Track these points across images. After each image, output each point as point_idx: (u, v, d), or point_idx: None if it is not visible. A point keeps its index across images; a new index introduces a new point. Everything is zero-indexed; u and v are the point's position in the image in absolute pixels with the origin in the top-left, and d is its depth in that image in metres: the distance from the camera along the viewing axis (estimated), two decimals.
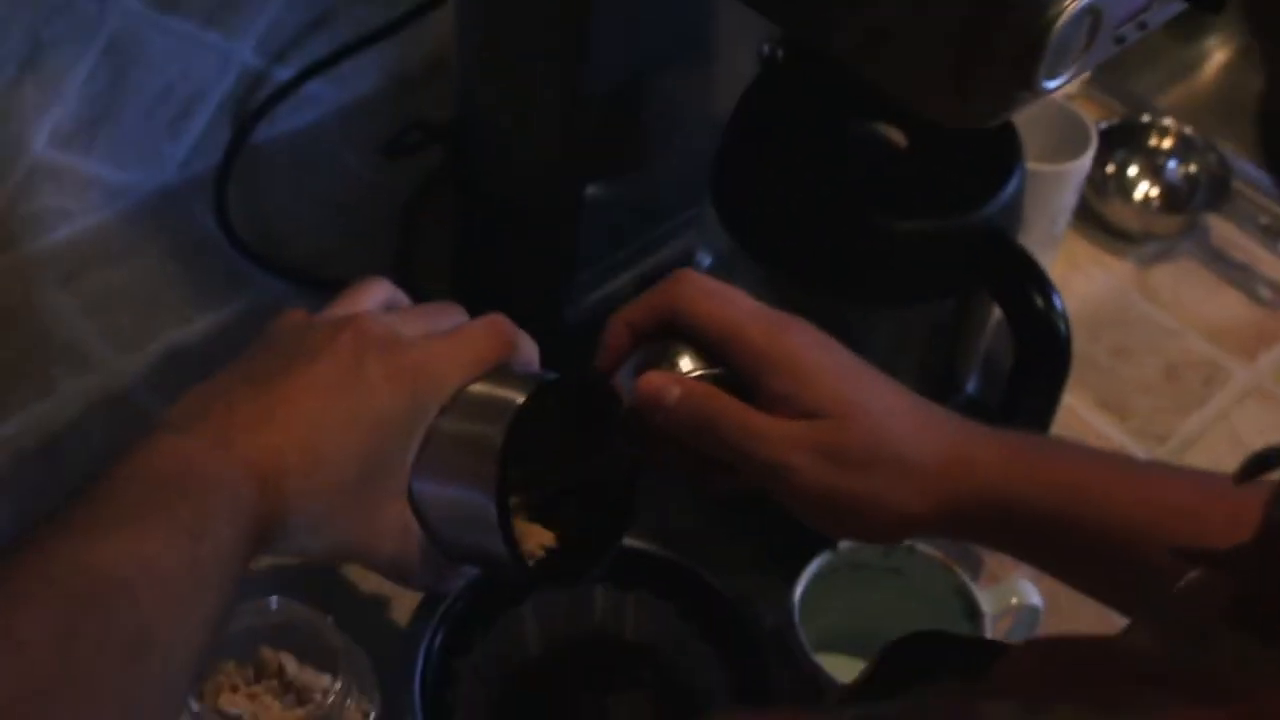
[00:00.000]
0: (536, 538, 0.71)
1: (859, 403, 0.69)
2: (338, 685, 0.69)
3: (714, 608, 0.83)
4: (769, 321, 0.71)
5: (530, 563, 0.69)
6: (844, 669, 0.85)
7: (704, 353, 0.71)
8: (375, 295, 0.71)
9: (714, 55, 0.95)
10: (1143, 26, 0.73)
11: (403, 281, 1.07)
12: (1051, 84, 0.69)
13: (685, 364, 0.71)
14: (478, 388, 0.67)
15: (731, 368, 0.70)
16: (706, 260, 0.94)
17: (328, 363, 0.64)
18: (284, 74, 1.13)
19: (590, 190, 0.95)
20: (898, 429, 0.70)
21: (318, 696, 0.70)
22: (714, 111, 0.91)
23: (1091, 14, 0.67)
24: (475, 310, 1.04)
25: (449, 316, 0.71)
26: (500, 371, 0.69)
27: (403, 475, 0.66)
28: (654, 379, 0.70)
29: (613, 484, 0.73)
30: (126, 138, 1.07)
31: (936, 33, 0.68)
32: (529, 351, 0.71)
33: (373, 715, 0.72)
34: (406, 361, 0.65)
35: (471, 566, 0.72)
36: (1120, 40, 0.72)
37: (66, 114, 1.03)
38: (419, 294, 1.06)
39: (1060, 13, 0.65)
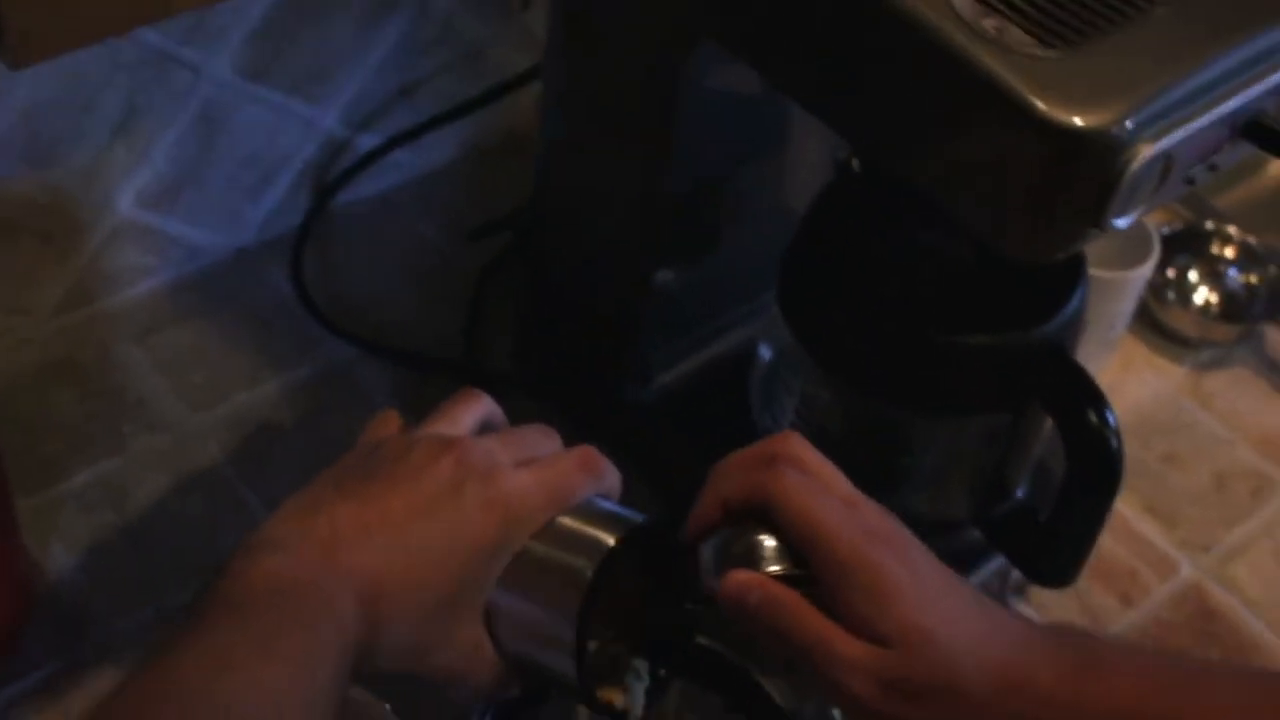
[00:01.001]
0: (607, 693, 0.73)
1: (929, 632, 0.68)
2: None
3: (758, 703, 0.85)
4: (857, 529, 0.69)
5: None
6: None
7: (790, 547, 0.72)
8: (475, 412, 0.72)
9: (792, 155, 0.97)
10: (1213, 168, 0.75)
11: (469, 355, 1.11)
12: (1121, 222, 0.71)
13: (769, 559, 0.71)
14: (568, 520, 0.69)
15: (815, 569, 0.70)
16: (767, 354, 0.96)
17: (427, 486, 0.65)
18: (367, 142, 1.16)
19: (659, 279, 0.97)
20: (960, 656, 0.68)
21: None
22: (787, 208, 0.94)
23: (1165, 160, 0.69)
24: (541, 390, 1.07)
25: (545, 441, 0.72)
26: (590, 507, 0.71)
27: (482, 600, 0.67)
28: (740, 579, 0.70)
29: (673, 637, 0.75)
30: (209, 200, 1.11)
31: (1015, 174, 0.69)
32: (615, 484, 0.73)
33: None
34: (503, 492, 0.66)
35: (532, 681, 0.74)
36: (1190, 181, 0.74)
37: (153, 176, 1.06)
38: (486, 371, 1.10)
39: (1133, 159, 0.67)
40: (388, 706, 0.73)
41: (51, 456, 1.02)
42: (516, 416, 0.75)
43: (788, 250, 0.91)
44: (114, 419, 1.05)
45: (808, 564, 0.71)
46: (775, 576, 0.71)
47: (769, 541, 0.71)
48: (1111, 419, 0.85)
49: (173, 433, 1.05)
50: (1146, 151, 0.67)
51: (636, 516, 0.72)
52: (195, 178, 1.08)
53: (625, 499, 0.74)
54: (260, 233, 1.16)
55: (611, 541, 0.69)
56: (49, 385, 1.06)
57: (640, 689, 0.74)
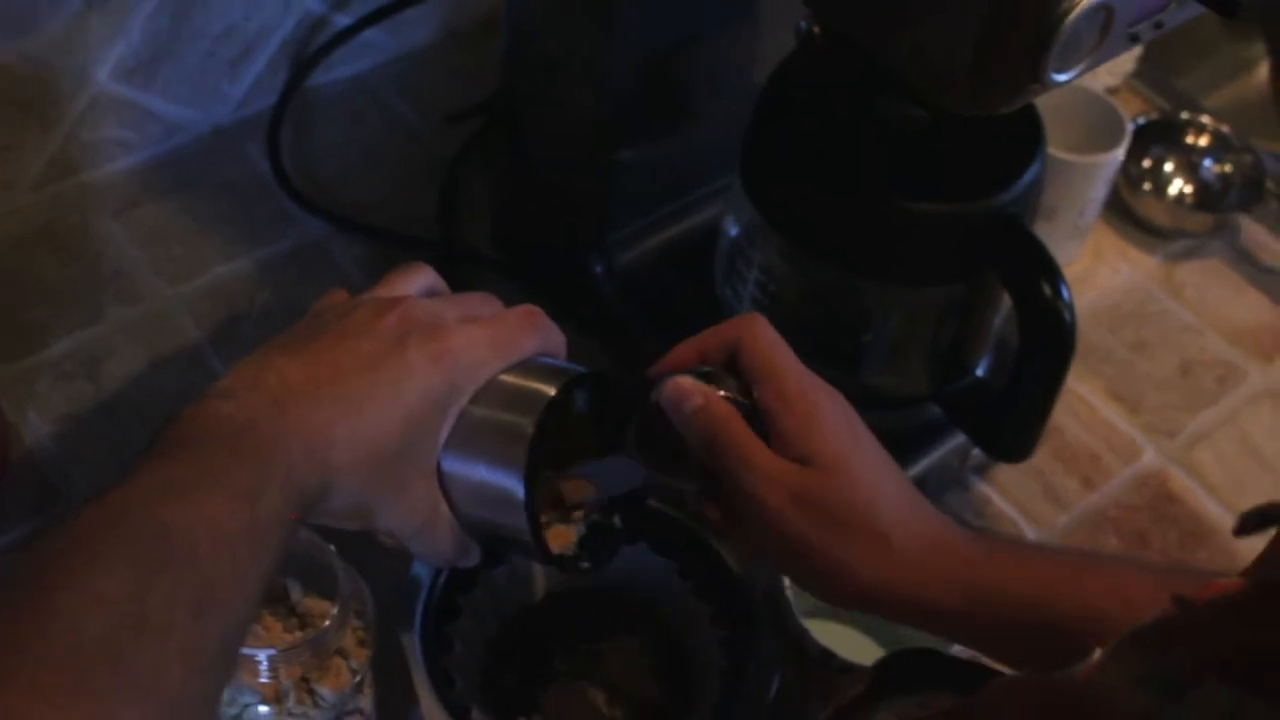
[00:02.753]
0: (560, 537, 0.74)
1: (852, 466, 0.71)
2: (334, 610, 0.73)
3: (711, 568, 0.86)
4: (810, 380, 0.73)
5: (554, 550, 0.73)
6: (830, 634, 0.88)
7: (744, 389, 0.74)
8: (418, 281, 0.74)
9: (751, 29, 0.98)
10: (1159, 26, 0.75)
11: (445, 233, 1.12)
12: (1061, 77, 0.71)
13: (720, 383, 0.73)
14: (509, 377, 0.71)
15: (760, 401, 0.73)
16: (733, 230, 0.97)
17: (373, 342, 0.67)
18: (344, 20, 1.16)
19: (623, 156, 0.98)
20: (882, 504, 0.71)
21: (319, 622, 0.74)
22: (748, 84, 0.94)
23: (1103, 12, 0.69)
24: (513, 268, 1.08)
25: (487, 305, 0.74)
26: (531, 362, 0.72)
27: (433, 454, 0.69)
28: (684, 383, 0.73)
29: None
30: (186, 76, 1.11)
31: (954, 25, 0.70)
32: (559, 342, 0.74)
33: (368, 643, 0.76)
34: (446, 346, 0.68)
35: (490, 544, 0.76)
36: (1135, 39, 0.74)
37: (130, 48, 1.07)
38: (459, 247, 1.11)
39: (1070, 10, 0.68)
40: (333, 548, 0.75)
41: (28, 326, 1.04)
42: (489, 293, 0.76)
43: (750, 120, 0.92)
44: (92, 291, 1.07)
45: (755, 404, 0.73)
46: (721, 397, 0.73)
47: (726, 377, 0.73)
48: (1065, 292, 0.86)
49: (149, 305, 1.07)
50: (1084, 3, 0.68)
51: (579, 369, 0.73)
52: (172, 52, 1.09)
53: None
54: (237, 110, 1.16)
55: (552, 392, 0.70)
56: (28, 257, 1.08)
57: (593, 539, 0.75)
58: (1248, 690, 0.39)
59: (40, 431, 0.99)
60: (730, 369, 0.74)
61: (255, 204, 1.13)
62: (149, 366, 1.04)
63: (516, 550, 0.74)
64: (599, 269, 1.03)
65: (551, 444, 0.72)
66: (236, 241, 1.11)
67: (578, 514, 0.74)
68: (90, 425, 1.00)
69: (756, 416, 0.72)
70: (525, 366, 0.72)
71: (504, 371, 0.70)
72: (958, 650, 0.77)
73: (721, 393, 0.73)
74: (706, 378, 0.73)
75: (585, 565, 0.75)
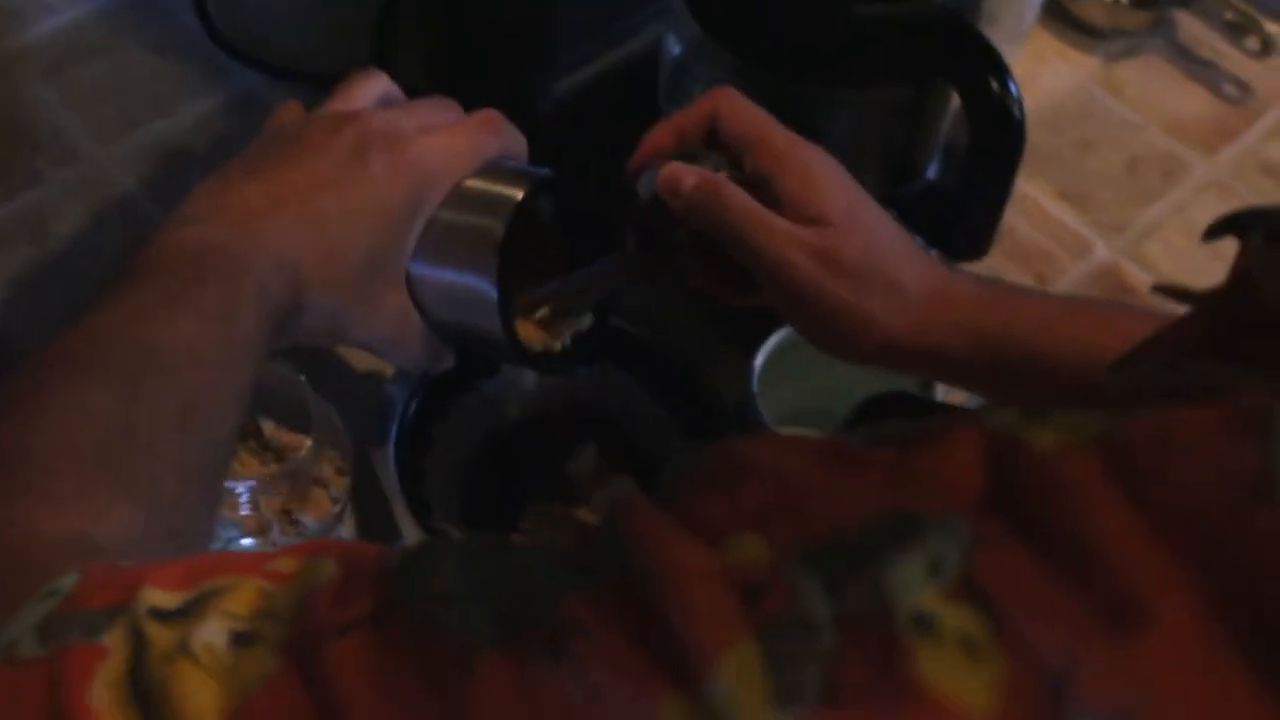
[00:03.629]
0: (532, 336, 0.74)
1: (860, 217, 0.72)
2: (309, 441, 0.73)
3: (675, 379, 0.87)
4: (792, 135, 0.73)
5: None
6: None
7: (733, 161, 0.73)
8: (372, 90, 0.73)
9: None
10: None
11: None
12: None
13: (710, 164, 0.73)
14: (474, 182, 0.70)
15: (752, 169, 0.72)
16: (676, 49, 0.96)
17: (330, 157, 0.67)
18: None
19: None
20: (891, 250, 0.72)
21: (295, 455, 0.74)
22: None
23: None
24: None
25: (445, 112, 0.73)
26: (495, 166, 0.71)
27: (401, 265, 0.69)
28: (675, 168, 0.72)
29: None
30: None
31: None
32: (519, 147, 0.74)
33: (345, 471, 0.76)
34: (407, 156, 0.68)
35: (463, 347, 0.75)
36: None
37: None
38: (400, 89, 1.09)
39: None
40: (304, 378, 0.74)
41: None
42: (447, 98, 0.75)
43: None
44: (28, 155, 1.05)
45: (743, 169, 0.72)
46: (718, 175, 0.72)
47: (711, 152, 0.72)
48: (1013, 87, 0.86)
49: (87, 164, 1.05)
50: None
51: (545, 171, 0.73)
52: None
53: None
54: None
55: (519, 195, 0.70)
56: None
57: (567, 332, 0.75)
58: (1238, 363, 0.41)
59: None
60: (710, 145, 0.73)
61: (187, 60, 1.11)
62: (91, 225, 1.02)
63: (490, 351, 0.73)
64: (541, 98, 1.02)
65: (521, 246, 0.71)
66: (170, 97, 1.09)
67: (550, 318, 0.74)
68: (38, 286, 0.99)
69: (751, 183, 0.72)
70: (490, 171, 0.71)
71: (468, 177, 0.70)
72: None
73: (715, 170, 0.72)
74: (692, 158, 0.72)
75: (559, 358, 0.75)
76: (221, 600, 0.44)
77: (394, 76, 1.09)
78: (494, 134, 0.72)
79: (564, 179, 0.73)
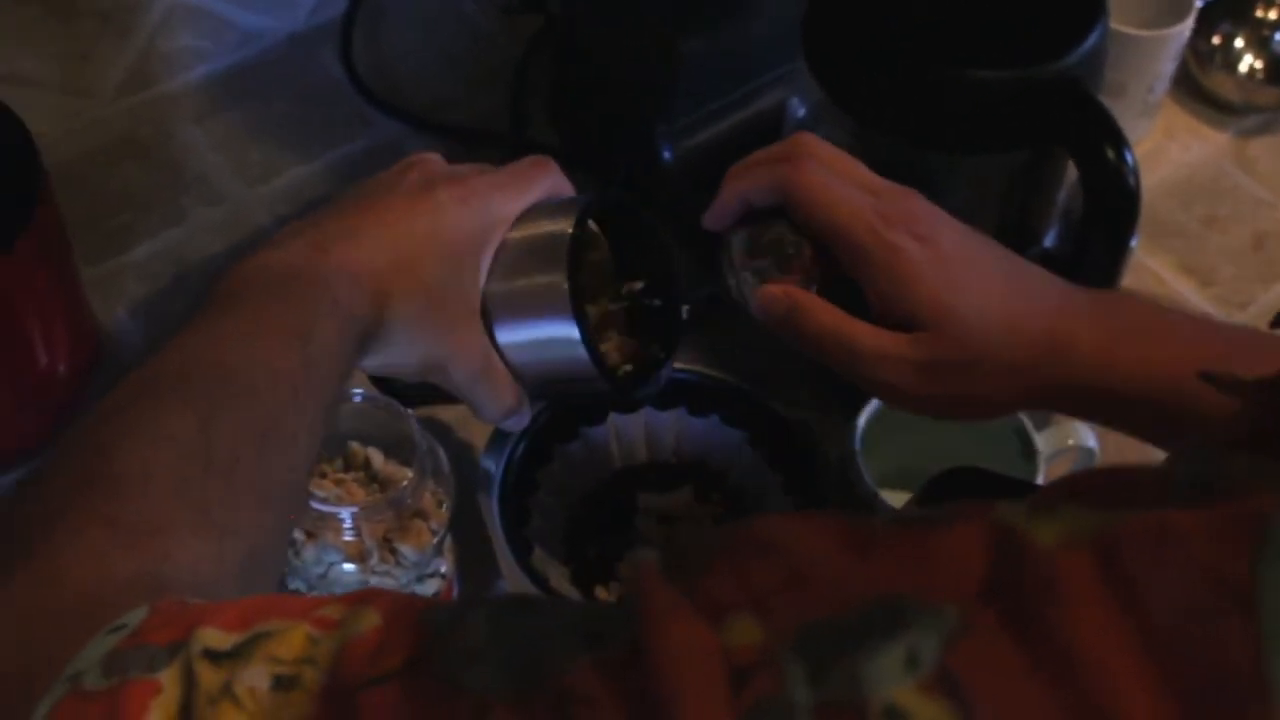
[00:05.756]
0: (617, 346, 0.76)
1: (957, 311, 0.69)
2: (410, 473, 0.75)
3: (781, 437, 0.88)
4: (875, 215, 0.71)
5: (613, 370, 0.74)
6: (902, 502, 0.89)
7: (813, 241, 0.73)
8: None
9: None
10: None
11: (515, 128, 1.14)
12: None
13: (794, 265, 0.73)
14: (534, 211, 0.73)
15: (838, 262, 0.72)
16: (800, 111, 0.97)
17: (401, 192, 0.70)
18: None
19: (687, 45, 0.99)
20: (991, 330, 0.70)
21: (397, 486, 0.77)
22: None
23: None
24: (578, 159, 1.09)
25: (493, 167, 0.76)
26: (549, 199, 0.74)
27: (476, 292, 0.71)
28: (768, 292, 0.73)
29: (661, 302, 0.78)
30: None
31: None
32: (567, 189, 0.76)
33: (446, 505, 0.78)
34: (472, 188, 0.71)
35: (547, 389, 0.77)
36: None
37: None
38: (529, 142, 1.12)
39: None
40: (411, 413, 0.77)
41: (115, 231, 1.07)
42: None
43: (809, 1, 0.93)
44: (174, 194, 1.10)
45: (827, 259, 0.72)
46: (799, 289, 0.72)
47: (789, 236, 0.73)
48: (1129, 155, 0.86)
49: (230, 207, 1.09)
50: None
51: (586, 197, 0.75)
52: None
53: None
54: (310, 17, 1.19)
55: (575, 214, 0.72)
56: (112, 163, 1.11)
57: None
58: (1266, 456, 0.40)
59: (126, 328, 1.03)
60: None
61: (331, 108, 1.15)
62: (230, 262, 1.05)
63: (573, 386, 0.74)
64: (666, 154, 1.04)
65: (584, 269, 0.74)
66: (313, 144, 1.13)
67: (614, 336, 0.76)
68: (174, 320, 1.02)
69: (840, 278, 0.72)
70: (547, 204, 0.74)
71: (529, 210, 0.73)
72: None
73: (795, 275, 0.73)
74: (771, 248, 0.73)
75: (635, 377, 0.76)
76: (270, 644, 0.45)
77: (525, 129, 1.13)
78: (544, 173, 0.75)
79: (616, 196, 0.75)
